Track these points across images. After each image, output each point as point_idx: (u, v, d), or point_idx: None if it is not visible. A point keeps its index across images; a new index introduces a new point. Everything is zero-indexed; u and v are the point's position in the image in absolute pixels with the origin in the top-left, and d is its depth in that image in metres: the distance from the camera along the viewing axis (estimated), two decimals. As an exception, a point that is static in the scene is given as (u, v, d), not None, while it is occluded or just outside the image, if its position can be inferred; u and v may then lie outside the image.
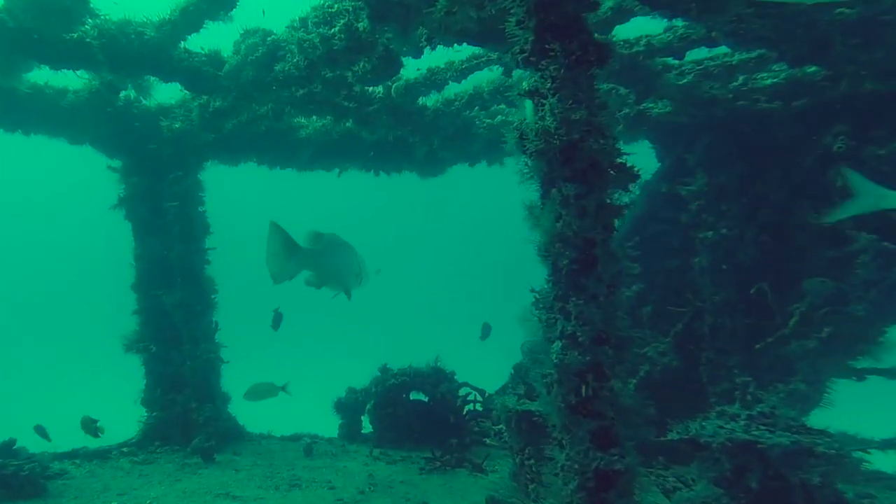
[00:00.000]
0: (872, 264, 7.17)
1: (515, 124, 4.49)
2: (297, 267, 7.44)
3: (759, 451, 4.61)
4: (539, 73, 4.39)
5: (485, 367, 12.04)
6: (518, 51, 4.53)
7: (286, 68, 7.49)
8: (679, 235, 8.65)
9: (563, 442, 4.15)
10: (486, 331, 10.63)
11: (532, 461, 6.15)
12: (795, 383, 7.59)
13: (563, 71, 4.26)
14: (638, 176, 4.21)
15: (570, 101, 4.21)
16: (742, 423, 4.97)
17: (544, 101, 4.30)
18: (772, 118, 7.65)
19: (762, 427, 4.83)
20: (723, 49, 7.32)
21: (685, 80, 7.62)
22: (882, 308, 7.26)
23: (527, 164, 4.47)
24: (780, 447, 4.54)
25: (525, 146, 4.36)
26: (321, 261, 7.59)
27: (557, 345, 4.18)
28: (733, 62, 7.32)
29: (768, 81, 7.51)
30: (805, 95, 7.35)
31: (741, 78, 7.59)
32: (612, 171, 4.18)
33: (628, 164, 4.20)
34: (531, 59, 4.45)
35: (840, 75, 6.58)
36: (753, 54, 7.09)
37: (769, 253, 8.10)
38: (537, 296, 4.42)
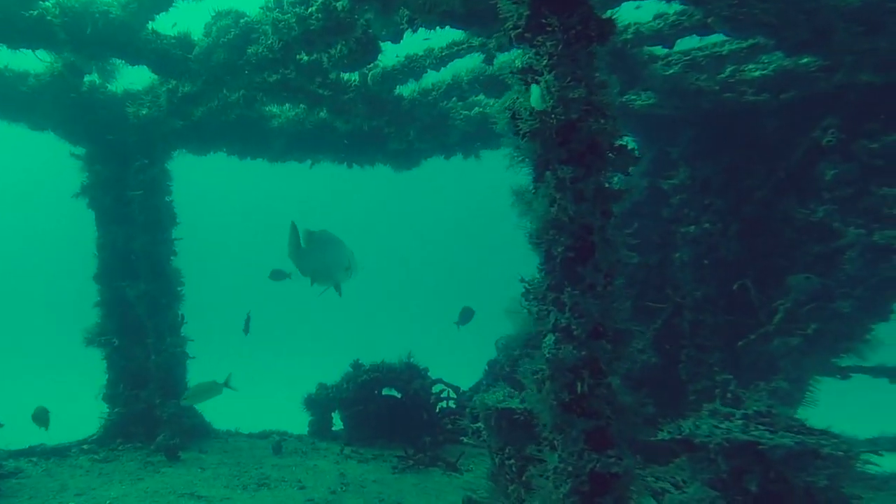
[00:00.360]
0: (860, 260, 6.95)
1: (507, 103, 4.14)
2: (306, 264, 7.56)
3: (760, 453, 4.31)
4: (534, 50, 4.05)
5: (459, 363, 11.72)
6: (511, 27, 4.18)
7: (259, 51, 7.05)
8: (660, 230, 8.39)
9: (555, 442, 3.81)
10: (466, 315, 9.97)
11: (512, 461, 5.79)
12: (778, 381, 7.36)
13: (560, 47, 3.91)
14: (639, 159, 3.88)
15: (568, 79, 3.86)
16: (738, 422, 4.67)
17: (539, 79, 3.96)
18: (759, 111, 7.41)
19: (761, 427, 4.53)
20: (712, 39, 7.07)
21: (672, 71, 7.35)
22: (869, 305, 7.05)
23: (518, 147, 4.12)
24: (783, 448, 4.24)
25: (518, 126, 4.01)
26: (316, 258, 7.55)
27: (550, 338, 3.83)
28: (723, 52, 7.06)
29: (756, 73, 7.25)
30: (794, 87, 7.11)
31: (728, 70, 7.33)
32: (611, 154, 3.85)
33: (629, 147, 3.87)
34: (525, 35, 4.10)
35: (837, 65, 6.33)
36: (745, 44, 6.83)
37: (753, 248, 7.87)
38: (528, 286, 4.06)
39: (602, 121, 3.80)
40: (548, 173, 3.92)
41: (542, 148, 3.95)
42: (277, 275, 9.47)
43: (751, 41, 6.96)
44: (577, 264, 3.79)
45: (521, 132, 3.98)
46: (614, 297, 3.76)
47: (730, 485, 4.49)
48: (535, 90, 3.79)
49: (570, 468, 3.69)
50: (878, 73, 6.40)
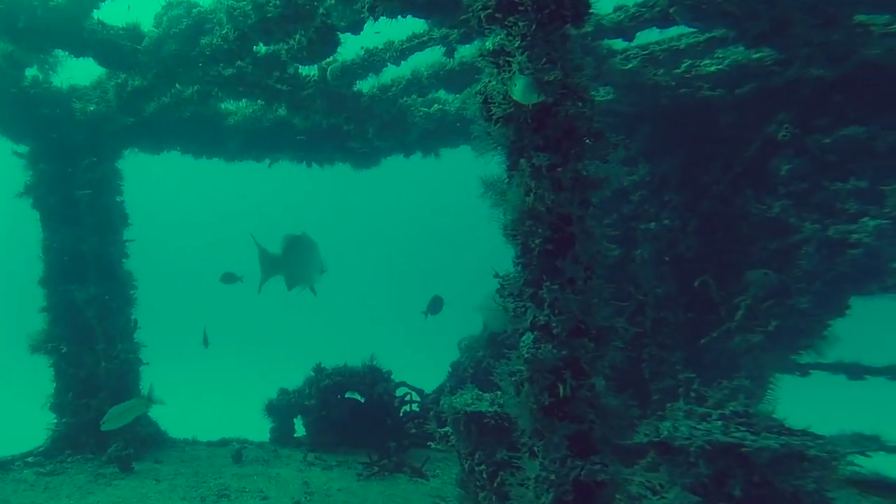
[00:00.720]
0: (816, 255, 6.79)
1: (479, 88, 3.79)
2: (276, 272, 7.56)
3: (744, 456, 4.02)
4: (505, 31, 3.71)
5: (422, 365, 11.34)
6: (481, 7, 3.84)
7: (214, 41, 6.58)
8: (621, 226, 8.14)
9: (535, 449, 3.46)
10: (436, 305, 9.37)
11: (483, 467, 5.44)
12: (740, 379, 7.16)
13: (533, 27, 3.59)
14: (617, 146, 3.57)
15: (543, 60, 3.54)
16: (717, 423, 4.39)
17: (511, 61, 3.62)
18: (714, 106, 7.21)
19: (741, 428, 4.26)
20: (670, 33, 6.84)
21: (630, 66, 7.10)
22: (825, 301, 6.90)
23: (489, 133, 3.78)
24: (768, 451, 3.96)
25: (490, 111, 3.67)
26: (293, 263, 7.51)
27: (528, 337, 3.49)
28: (680, 46, 6.84)
29: (712, 68, 7.06)
30: (749, 82, 6.94)
31: (684, 65, 7.12)
32: (589, 140, 3.53)
33: (607, 133, 3.55)
34: (496, 15, 3.76)
35: (792, 59, 6.15)
36: (703, 38, 6.62)
37: (712, 244, 7.67)
38: (503, 281, 3.72)
39: (580, 104, 3.48)
40: (522, 161, 3.58)
41: (516, 134, 3.61)
42: (229, 278, 8.96)
43: (707, 35, 6.77)
44: (555, 257, 3.46)
45: (494, 117, 3.64)
46: (596, 292, 3.43)
47: (712, 489, 4.19)
48: (520, 81, 3.43)
49: (552, 476, 3.35)
50: (828, 67, 6.25)
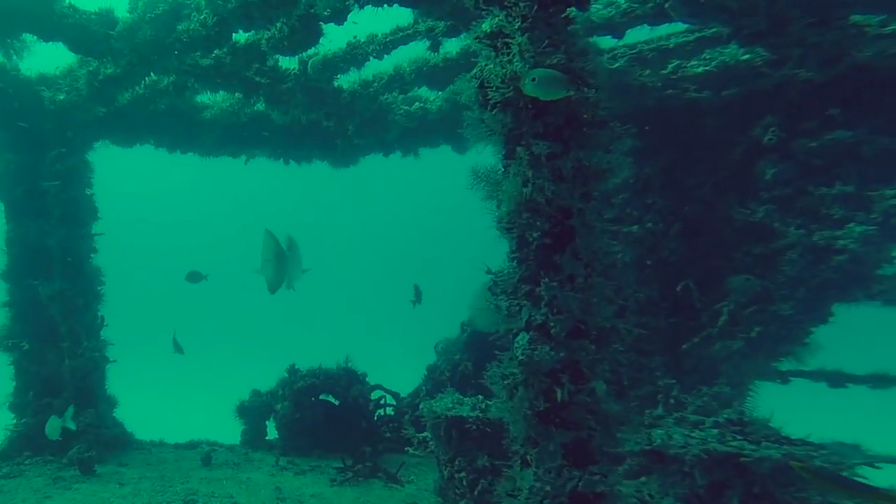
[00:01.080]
0: (800, 261, 6.60)
1: (474, 72, 3.50)
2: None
3: (742, 466, 3.75)
4: (505, 13, 3.42)
5: (397, 367, 10.99)
6: (478, -14, 3.55)
7: (191, 27, 6.21)
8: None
9: (529, 457, 3.16)
10: (418, 294, 9.08)
11: (464, 474, 5.13)
12: (720, 386, 6.94)
13: (535, 8, 3.30)
14: (622, 135, 3.30)
15: (545, 43, 3.26)
16: (712, 431, 4.11)
17: (510, 43, 3.33)
18: (700, 108, 7.01)
19: (739, 437, 4.00)
20: (659, 32, 6.63)
21: (617, 65, 6.88)
22: (808, 308, 6.72)
23: (483, 120, 3.48)
24: (769, 461, 3.70)
25: (486, 96, 3.37)
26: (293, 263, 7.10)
27: (523, 338, 3.19)
28: (669, 46, 6.62)
29: (699, 69, 6.85)
30: (736, 85, 6.74)
31: (671, 66, 6.91)
32: (593, 128, 3.25)
33: (611, 121, 3.28)
34: (494, -5, 3.48)
35: (783, 59, 5.95)
36: (692, 37, 6.42)
37: (695, 249, 7.45)
38: (496, 278, 3.42)
39: (584, 90, 3.20)
40: (520, 149, 3.29)
41: (514, 120, 3.32)
42: (194, 276, 8.56)
43: (697, 34, 6.57)
44: (554, 252, 3.17)
45: (491, 102, 3.35)
46: (597, 290, 3.15)
47: (707, 501, 3.92)
48: (539, 74, 3.08)
49: (547, 487, 3.05)
50: (819, 69, 6.07)
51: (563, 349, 3.09)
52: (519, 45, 3.26)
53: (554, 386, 3.05)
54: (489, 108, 3.38)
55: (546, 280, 3.15)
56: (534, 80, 3.00)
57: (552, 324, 3.11)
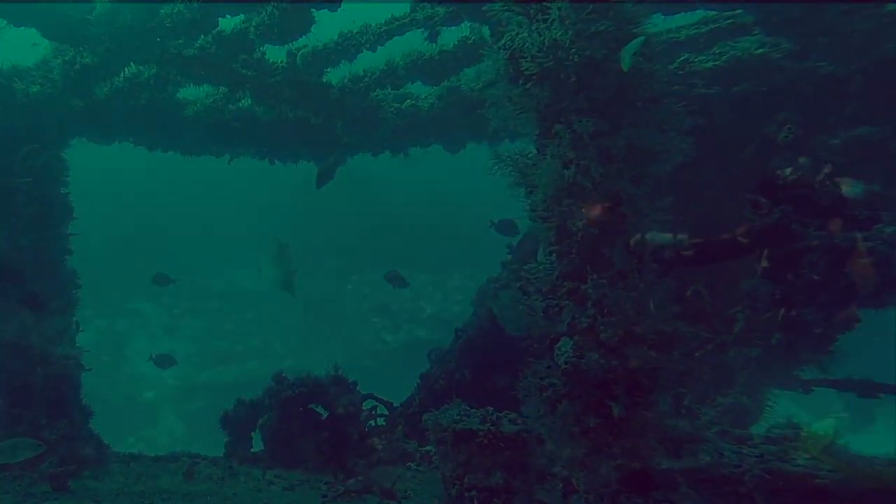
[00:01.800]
0: (821, 264, 6.19)
1: (503, 42, 3.02)
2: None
3: (820, 490, 3.18)
4: (539, -27, 2.95)
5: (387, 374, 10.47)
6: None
7: (175, 10, 5.67)
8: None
9: (576, 481, 2.67)
10: (398, 281, 8.66)
11: (474, 493, 4.60)
12: (735, 396, 6.52)
13: (575, -33, 2.84)
14: (678, 112, 2.84)
15: (590, 10, 2.79)
16: (769, 447, 3.60)
17: (548, 8, 2.86)
18: (710, 104, 6.62)
19: (802, 454, 3.49)
20: (667, 24, 6.24)
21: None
22: (833, 313, 6.31)
23: (510, 98, 3.00)
24: (851, 484, 3.17)
25: (519, 67, 2.89)
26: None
27: (566, 343, 2.71)
28: (679, 38, 6.23)
29: (709, 64, 6.46)
30: (747, 80, 6.36)
31: (679, 59, 6.51)
32: (645, 104, 2.79)
33: (666, 96, 2.82)
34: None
35: (806, 50, 5.56)
36: (704, 29, 6.02)
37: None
38: (529, 275, 2.92)
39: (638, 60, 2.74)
40: (559, 127, 2.81)
41: (552, 94, 2.84)
42: (161, 279, 8.01)
43: (710, 27, 6.19)
44: (604, 245, 2.69)
45: (525, 74, 2.87)
46: (653, 288, 2.67)
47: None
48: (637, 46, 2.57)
49: (598, 518, 2.56)
50: (843, 62, 5.70)
51: (615, 357, 2.61)
52: (559, 10, 2.78)
53: (607, 400, 2.56)
54: (522, 81, 2.90)
55: (594, 277, 2.67)
56: (635, 54, 2.51)
57: (602, 327, 2.63)
